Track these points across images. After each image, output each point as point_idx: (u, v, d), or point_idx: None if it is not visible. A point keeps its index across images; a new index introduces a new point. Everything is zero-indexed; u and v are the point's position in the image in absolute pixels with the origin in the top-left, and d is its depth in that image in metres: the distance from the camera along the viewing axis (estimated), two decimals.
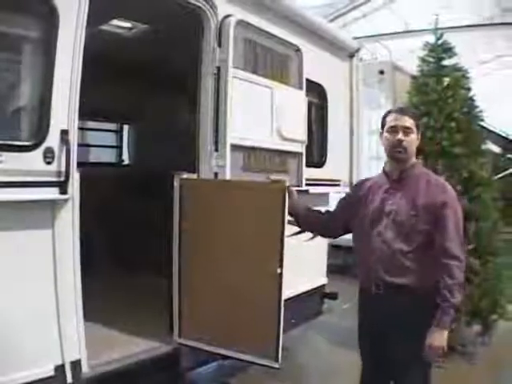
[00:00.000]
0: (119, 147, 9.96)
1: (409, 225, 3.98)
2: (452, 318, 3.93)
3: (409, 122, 4.11)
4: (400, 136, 4.09)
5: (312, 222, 4.66)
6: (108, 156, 9.98)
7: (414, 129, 4.12)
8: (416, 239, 3.97)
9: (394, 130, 4.11)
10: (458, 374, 6.55)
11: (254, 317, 4.49)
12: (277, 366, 4.40)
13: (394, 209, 4.05)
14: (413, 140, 4.11)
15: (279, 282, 4.30)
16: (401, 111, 4.24)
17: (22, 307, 3.65)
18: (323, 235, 5.10)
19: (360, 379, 4.45)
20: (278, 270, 4.29)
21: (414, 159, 4.20)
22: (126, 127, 9.96)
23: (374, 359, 4.26)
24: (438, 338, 3.89)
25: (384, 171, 4.30)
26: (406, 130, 4.10)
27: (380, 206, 4.13)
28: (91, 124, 9.35)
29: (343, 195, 4.77)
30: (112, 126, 9.95)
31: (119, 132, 9.94)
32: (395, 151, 4.12)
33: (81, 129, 8.68)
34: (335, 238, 4.99)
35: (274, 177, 4.89)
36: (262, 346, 4.44)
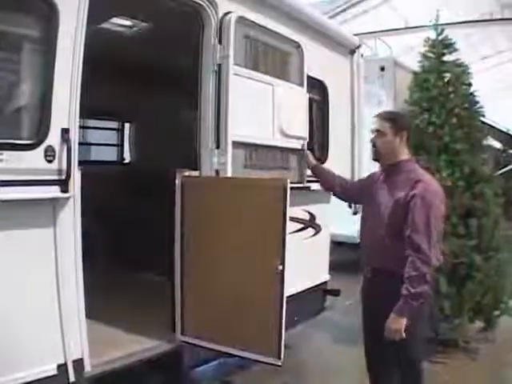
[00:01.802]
0: (120, 145, 9.96)
1: (388, 216, 4.35)
2: (411, 308, 4.15)
3: (380, 125, 4.54)
4: (372, 138, 4.59)
5: (332, 182, 5.39)
6: (109, 154, 9.99)
7: (387, 130, 4.50)
8: (395, 229, 4.28)
9: (372, 132, 4.62)
10: (460, 369, 6.57)
11: (257, 314, 4.51)
12: (279, 363, 4.43)
13: (381, 201, 4.47)
14: (385, 141, 4.52)
15: (281, 279, 4.33)
16: (377, 115, 4.63)
17: (24, 306, 3.65)
18: (339, 196, 5.47)
19: (364, 350, 4.79)
20: (280, 267, 4.32)
21: (401, 157, 4.54)
22: (127, 125, 9.97)
23: (372, 334, 4.60)
24: (394, 323, 4.18)
25: (381, 168, 4.70)
26: (378, 133, 4.56)
27: (373, 197, 4.56)
28: (92, 122, 9.35)
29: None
30: (113, 124, 9.95)
31: (120, 130, 9.94)
32: (371, 152, 4.64)
33: (82, 127, 8.77)
34: (349, 201, 6.03)
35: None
36: (264, 343, 4.46)
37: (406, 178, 4.38)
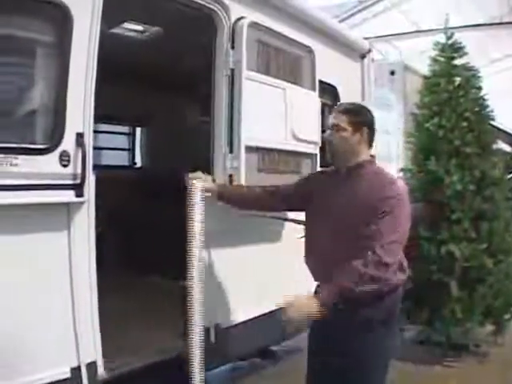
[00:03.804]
0: (132, 150, 9.99)
1: (344, 223, 3.75)
2: (331, 298, 3.54)
3: (338, 118, 3.97)
4: (327, 134, 4.07)
5: (248, 200, 4.61)
6: (121, 159, 10.02)
7: (346, 125, 3.93)
8: (348, 239, 3.70)
9: (329, 127, 4.06)
10: (470, 373, 6.54)
11: None
12: None
13: (338, 206, 3.85)
14: (343, 138, 3.93)
15: None
16: (334, 108, 4.17)
17: (38, 310, 3.66)
18: (263, 209, 4.79)
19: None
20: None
21: (363, 157, 3.97)
22: (138, 130, 9.99)
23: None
24: (309, 306, 3.54)
25: (333, 170, 4.18)
26: (335, 128, 3.98)
27: (328, 202, 3.95)
28: (104, 127, 9.37)
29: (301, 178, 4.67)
30: (124, 128, 9.98)
31: (132, 135, 9.97)
32: (327, 149, 4.09)
33: (94, 132, 8.72)
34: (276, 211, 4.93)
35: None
36: None
37: (370, 181, 3.84)
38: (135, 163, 10.02)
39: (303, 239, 4.22)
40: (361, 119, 3.99)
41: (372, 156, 4.08)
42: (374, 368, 3.83)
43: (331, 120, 4.05)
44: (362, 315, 3.68)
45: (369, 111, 4.20)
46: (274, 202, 4.52)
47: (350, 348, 3.72)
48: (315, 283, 4.06)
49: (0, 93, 3.60)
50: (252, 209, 4.73)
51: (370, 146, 4.04)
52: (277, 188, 4.54)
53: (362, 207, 3.72)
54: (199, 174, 4.45)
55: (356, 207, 3.76)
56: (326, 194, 4.03)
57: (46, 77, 3.75)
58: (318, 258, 3.97)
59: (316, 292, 3.84)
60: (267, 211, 4.90)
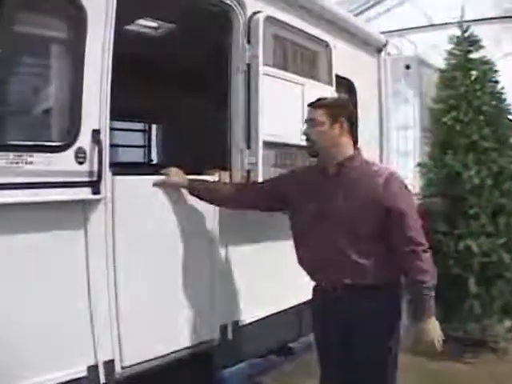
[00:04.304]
0: (148, 147, 9.97)
1: (355, 222, 3.76)
2: (432, 306, 3.72)
3: (313, 113, 3.94)
4: (304, 129, 4.03)
5: (215, 195, 4.51)
6: (137, 156, 10.00)
7: (322, 118, 3.87)
8: (364, 237, 3.77)
9: (305, 123, 4.05)
10: (489, 369, 6.51)
11: None
12: None
13: (338, 205, 3.82)
14: (321, 131, 3.88)
15: None
16: (308, 104, 4.09)
17: (54, 308, 3.64)
18: (230, 205, 4.63)
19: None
20: None
21: (349, 151, 3.92)
22: (154, 127, 9.98)
23: (336, 363, 4.04)
24: (435, 327, 3.74)
25: (319, 168, 4.08)
26: (311, 122, 3.95)
27: (323, 202, 3.88)
28: (120, 124, 9.37)
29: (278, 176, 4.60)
30: (140, 125, 9.98)
31: (148, 132, 9.96)
32: (306, 146, 4.06)
33: (111, 129, 8.73)
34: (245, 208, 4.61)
35: None
36: None
37: (369, 176, 3.83)
38: (151, 160, 9.99)
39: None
40: (338, 111, 3.94)
41: (357, 149, 4.01)
42: (396, 355, 3.97)
43: (307, 115, 4.04)
44: (399, 303, 3.87)
45: (347, 103, 4.24)
46: (242, 198, 4.46)
47: (387, 335, 3.84)
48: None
49: (14, 90, 3.57)
50: (219, 204, 4.63)
51: (354, 138, 3.99)
52: (250, 185, 4.61)
53: (368, 205, 3.75)
54: (172, 168, 4.48)
55: (360, 206, 3.76)
56: (317, 195, 3.95)
57: (60, 74, 3.73)
58: (320, 261, 3.95)
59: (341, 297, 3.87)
60: (236, 208, 4.65)
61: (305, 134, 4.01)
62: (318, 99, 4.09)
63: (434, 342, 3.72)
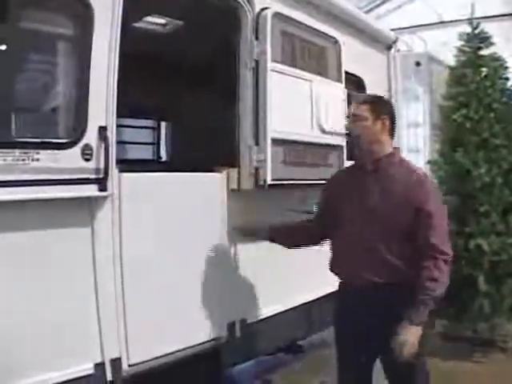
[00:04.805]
0: (157, 144, 9.97)
1: (387, 219, 3.77)
2: (426, 313, 3.68)
3: (358, 108, 3.95)
4: (347, 124, 4.08)
5: (296, 237, 4.54)
6: (146, 153, 10.00)
7: (366, 114, 3.89)
8: (395, 234, 3.77)
9: (347, 118, 4.09)
10: (498, 369, 6.45)
11: None
12: None
13: (371, 202, 3.84)
14: (365, 127, 3.89)
15: None
16: (354, 99, 4.13)
17: (61, 305, 3.63)
18: (315, 244, 4.56)
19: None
20: None
21: (388, 148, 3.95)
22: (163, 124, 9.96)
23: (358, 362, 4.02)
24: (415, 335, 3.65)
25: (357, 165, 4.13)
26: (355, 117, 3.95)
27: (359, 200, 3.91)
28: (129, 121, 9.37)
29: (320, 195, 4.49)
30: (149, 123, 9.96)
31: (156, 129, 9.94)
32: (350, 141, 4.12)
33: (119, 126, 8.75)
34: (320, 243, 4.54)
35: None
36: None
37: (403, 175, 3.86)
38: (160, 157, 9.98)
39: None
40: (381, 108, 3.96)
41: (395, 148, 4.04)
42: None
43: (351, 110, 4.03)
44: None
45: (388, 101, 4.22)
46: (312, 236, 4.44)
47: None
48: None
49: (20, 87, 3.58)
50: (302, 245, 4.61)
51: (393, 136, 4.01)
52: (315, 218, 4.46)
53: (401, 203, 3.75)
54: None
55: (394, 204, 3.77)
56: (353, 191, 3.98)
57: (67, 71, 3.72)
58: (351, 257, 3.94)
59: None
60: (316, 245, 4.58)
61: (347, 128, 4.10)
62: (364, 96, 4.24)
63: (402, 348, 3.64)
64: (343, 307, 4.14)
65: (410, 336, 3.64)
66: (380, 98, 4.19)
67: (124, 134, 9.31)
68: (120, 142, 8.54)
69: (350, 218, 3.97)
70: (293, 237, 4.56)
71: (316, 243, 4.52)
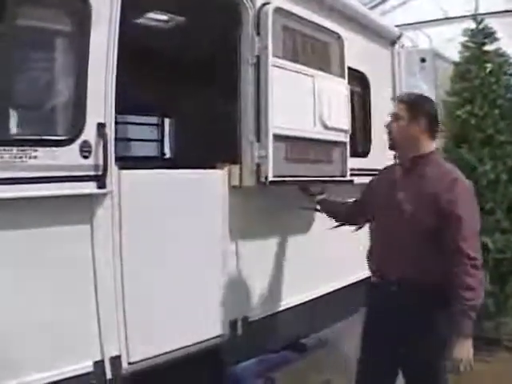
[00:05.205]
0: (161, 141, 9.95)
1: (415, 217, 3.77)
2: (471, 323, 3.60)
3: (397, 107, 4.00)
4: (387, 122, 4.05)
5: (336, 212, 4.84)
6: (150, 150, 9.99)
7: (403, 114, 3.93)
8: (423, 234, 3.74)
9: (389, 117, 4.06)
10: (504, 368, 6.43)
11: None
12: None
13: (402, 200, 3.86)
14: (400, 126, 3.95)
15: None
16: (396, 97, 4.21)
17: (60, 303, 3.62)
18: (348, 223, 4.93)
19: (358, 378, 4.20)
20: None
21: (424, 148, 3.93)
22: (167, 121, 9.94)
23: (381, 361, 4.00)
24: (468, 349, 3.61)
25: (398, 161, 4.17)
26: (394, 116, 4.01)
27: (391, 196, 3.95)
28: (133, 118, 9.36)
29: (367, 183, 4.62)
30: (153, 119, 9.94)
31: (160, 126, 9.92)
32: (388, 139, 4.08)
33: (123, 123, 8.88)
34: (360, 226, 4.90)
35: None
36: None
37: (436, 175, 3.82)
38: (164, 154, 9.96)
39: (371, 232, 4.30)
40: (418, 108, 3.94)
41: (435, 148, 4.02)
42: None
43: (392, 109, 4.08)
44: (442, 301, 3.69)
45: (430, 101, 4.15)
46: (358, 215, 4.65)
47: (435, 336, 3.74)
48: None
49: (18, 84, 3.56)
50: (338, 220, 4.93)
51: (433, 137, 3.98)
52: (356, 202, 4.68)
53: (430, 205, 3.73)
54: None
55: (423, 204, 3.77)
56: (390, 187, 4.02)
57: (65, 67, 3.72)
58: (382, 254, 4.02)
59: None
60: (352, 225, 4.97)
61: (386, 126, 4.07)
62: (404, 94, 4.27)
63: (457, 364, 3.61)
64: (371, 304, 4.19)
65: (461, 351, 3.60)
66: (420, 97, 4.17)
67: (128, 131, 9.33)
68: (124, 139, 8.59)
69: (382, 215, 4.05)
70: (340, 211, 4.84)
71: (356, 224, 4.90)
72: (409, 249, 3.78)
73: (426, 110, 3.97)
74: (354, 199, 4.70)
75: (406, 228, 3.80)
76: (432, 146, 3.98)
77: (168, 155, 9.86)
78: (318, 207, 5.09)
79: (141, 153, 9.80)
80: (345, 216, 4.80)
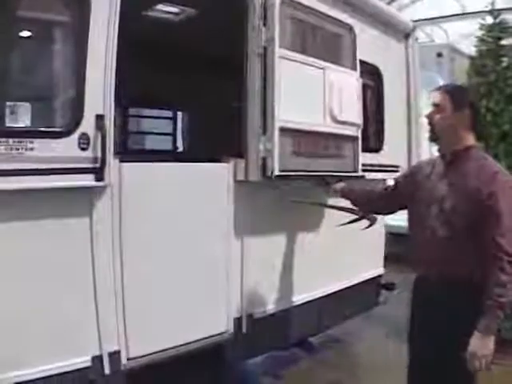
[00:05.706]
0: (173, 134, 9.92)
1: (453, 211, 3.66)
2: (497, 321, 3.52)
3: (439, 98, 3.80)
4: (428, 113, 3.89)
5: (368, 199, 4.65)
6: (163, 143, 9.96)
7: (446, 105, 3.76)
8: (460, 229, 3.63)
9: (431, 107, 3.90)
10: None
11: None
12: None
13: (443, 194, 3.75)
14: (442, 117, 3.78)
15: None
16: (437, 88, 3.95)
17: (59, 297, 3.62)
18: (379, 212, 4.99)
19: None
20: None
21: (466, 141, 3.79)
22: (179, 114, 9.92)
23: (425, 358, 3.86)
24: (486, 345, 3.50)
25: (440, 154, 3.97)
26: (435, 108, 3.83)
27: (432, 190, 3.83)
28: (146, 112, 9.35)
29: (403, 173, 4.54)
30: (166, 113, 9.92)
31: (173, 119, 9.88)
32: (429, 130, 3.92)
33: (136, 116, 8.92)
34: (390, 213, 4.77)
35: None
36: None
37: (477, 169, 3.67)
38: (177, 148, 9.93)
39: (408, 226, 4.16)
40: (461, 99, 3.81)
41: (476, 142, 3.89)
42: None
43: (432, 99, 3.89)
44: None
45: (471, 92, 4.18)
46: (390, 203, 4.45)
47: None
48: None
49: (15, 74, 3.53)
50: (369, 208, 4.88)
51: (474, 130, 3.86)
52: (389, 190, 4.48)
53: (468, 199, 3.63)
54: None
55: (461, 199, 3.67)
56: (431, 181, 3.90)
57: (63, 58, 3.70)
58: (421, 249, 3.92)
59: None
60: (379, 213, 5.11)
61: (426, 117, 3.93)
62: (446, 85, 4.05)
63: (474, 360, 3.51)
64: (414, 301, 4.10)
65: (479, 347, 3.50)
66: (462, 88, 4.09)
67: (141, 124, 9.34)
68: (136, 133, 8.61)
69: (421, 207, 3.91)
70: (363, 197, 4.72)
71: (378, 213, 4.99)
72: (445, 244, 3.69)
73: (470, 101, 3.87)
74: (384, 187, 4.58)
75: (444, 223, 3.70)
76: (473, 139, 3.84)
77: (180, 149, 9.83)
78: (334, 197, 5.01)
79: (155, 146, 9.80)
80: (368, 202, 4.68)
